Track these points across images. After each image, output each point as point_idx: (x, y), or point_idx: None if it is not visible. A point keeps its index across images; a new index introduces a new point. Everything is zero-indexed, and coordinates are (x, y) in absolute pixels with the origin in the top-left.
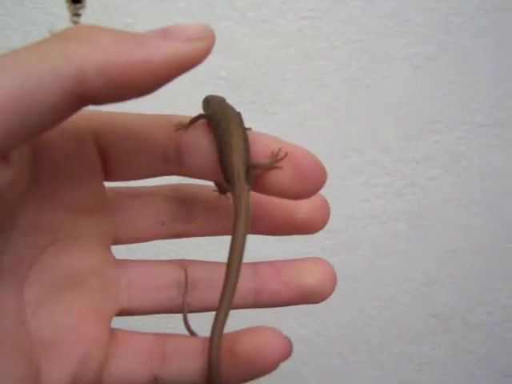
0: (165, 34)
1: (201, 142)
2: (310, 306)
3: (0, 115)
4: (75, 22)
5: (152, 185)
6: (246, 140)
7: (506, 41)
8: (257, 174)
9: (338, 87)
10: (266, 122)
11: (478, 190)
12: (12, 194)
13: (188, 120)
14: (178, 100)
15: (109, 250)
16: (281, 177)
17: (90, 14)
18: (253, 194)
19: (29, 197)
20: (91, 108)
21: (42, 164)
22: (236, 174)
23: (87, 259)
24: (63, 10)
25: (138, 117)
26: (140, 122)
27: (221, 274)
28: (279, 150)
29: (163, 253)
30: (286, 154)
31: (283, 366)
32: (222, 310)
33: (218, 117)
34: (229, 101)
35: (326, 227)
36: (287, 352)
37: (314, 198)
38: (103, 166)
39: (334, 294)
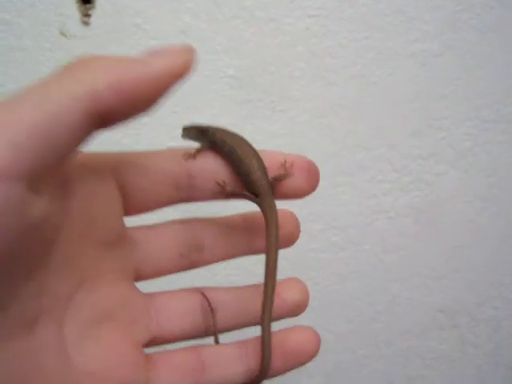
0: (156, 53)
1: (213, 166)
2: (319, 300)
3: (27, 140)
4: (85, 23)
5: (160, 220)
6: (260, 158)
7: (511, 37)
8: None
9: (345, 84)
10: (274, 119)
11: (485, 186)
12: (46, 230)
13: (193, 151)
14: (187, 98)
15: (133, 283)
16: (293, 182)
17: (99, 15)
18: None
19: (59, 234)
20: (108, 148)
21: (69, 201)
22: (262, 188)
23: (116, 294)
24: (73, 11)
25: (150, 152)
26: (153, 156)
27: (235, 296)
28: (285, 161)
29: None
30: (293, 163)
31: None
32: (266, 312)
33: (230, 143)
34: (237, 99)
35: (334, 223)
36: (319, 346)
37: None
38: (123, 200)
39: (342, 290)
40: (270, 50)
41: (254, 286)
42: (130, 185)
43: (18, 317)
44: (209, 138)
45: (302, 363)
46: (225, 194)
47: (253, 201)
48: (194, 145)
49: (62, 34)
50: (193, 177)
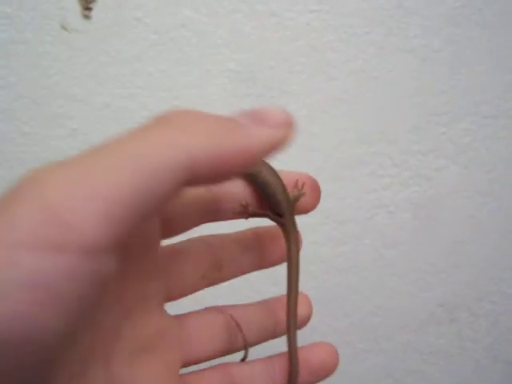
0: (256, 119)
1: (236, 189)
2: (318, 294)
3: (122, 211)
4: (86, 16)
5: (184, 239)
6: (281, 179)
7: None
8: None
9: (345, 79)
10: None
11: (484, 181)
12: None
13: None
14: (186, 92)
15: (164, 308)
16: (305, 200)
17: (100, 8)
18: None
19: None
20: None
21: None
22: (285, 209)
23: (153, 322)
24: (74, 4)
25: None
26: None
27: (253, 313)
28: (297, 180)
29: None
30: (304, 183)
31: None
32: (291, 331)
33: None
34: (237, 93)
35: (334, 217)
36: (338, 361)
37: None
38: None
39: (342, 284)
40: (270, 44)
41: (273, 299)
42: (167, 214)
43: (78, 356)
44: None
45: (324, 378)
46: (247, 214)
47: (276, 221)
48: None
49: (63, 27)
50: (219, 200)
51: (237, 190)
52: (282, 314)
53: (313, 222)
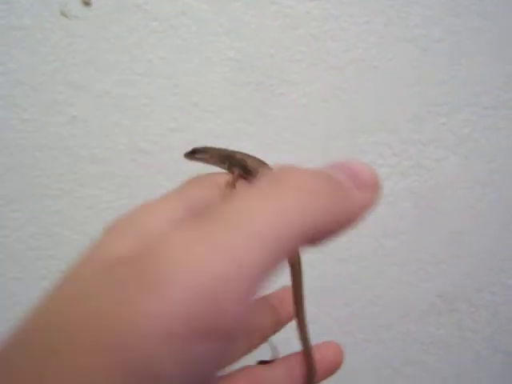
0: (353, 178)
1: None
2: (318, 284)
3: (257, 285)
4: (86, 3)
5: None
6: None
7: None
8: None
9: (345, 68)
10: (274, 102)
11: (484, 172)
12: None
13: (232, 179)
14: (186, 80)
15: None
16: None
17: None
18: None
19: None
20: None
21: None
22: None
23: None
24: None
25: None
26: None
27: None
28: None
29: None
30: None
31: (292, 345)
32: (303, 332)
33: (260, 172)
34: (237, 81)
35: None
36: (343, 358)
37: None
38: None
39: (342, 273)
40: (270, 32)
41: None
42: None
43: None
44: (237, 164)
45: (332, 374)
46: None
47: None
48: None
49: (63, 13)
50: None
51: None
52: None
53: None
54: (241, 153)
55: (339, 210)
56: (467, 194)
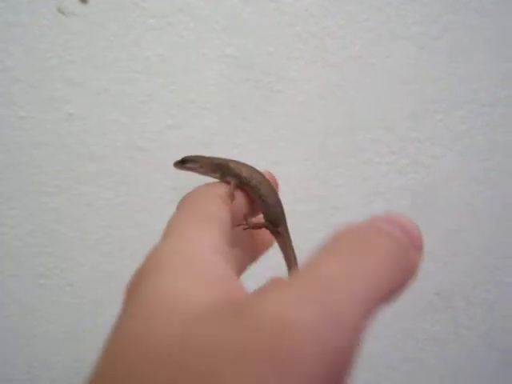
0: (410, 239)
1: (241, 202)
2: None
3: None
4: (83, 0)
5: None
6: (276, 192)
7: (511, 21)
8: None
9: (343, 66)
10: (272, 99)
11: (481, 169)
12: None
13: (230, 189)
14: (183, 77)
15: None
16: None
17: None
18: None
19: None
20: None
21: None
22: (283, 220)
23: None
24: None
25: None
26: None
27: None
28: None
29: None
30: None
31: None
32: None
33: (255, 180)
34: (235, 78)
35: (331, 203)
36: None
37: None
38: None
39: None
40: (268, 30)
41: None
42: None
43: None
44: (230, 174)
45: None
46: (249, 226)
47: (274, 231)
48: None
49: (60, 11)
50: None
51: (240, 203)
52: None
53: (310, 208)
54: (234, 161)
55: (401, 277)
56: (463, 191)
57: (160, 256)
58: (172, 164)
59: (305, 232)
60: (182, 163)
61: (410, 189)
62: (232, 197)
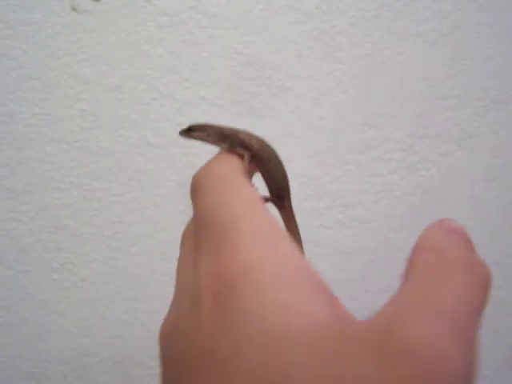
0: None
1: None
2: (324, 277)
3: None
4: None
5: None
6: (283, 166)
7: None
8: None
9: (353, 63)
10: (282, 96)
11: (491, 166)
12: None
13: (245, 165)
14: (196, 73)
15: None
16: None
17: None
18: None
19: None
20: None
21: None
22: (287, 193)
23: None
24: None
25: None
26: None
27: None
28: None
29: None
30: None
31: None
32: None
33: (265, 155)
34: (245, 75)
35: (340, 201)
36: None
37: None
38: None
39: (348, 267)
40: (279, 27)
41: None
42: None
43: None
44: (240, 145)
45: None
46: None
47: (277, 203)
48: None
49: (73, 8)
50: None
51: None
52: None
53: (319, 205)
54: (244, 132)
55: (479, 301)
56: (473, 189)
57: (246, 264)
58: (179, 133)
59: (315, 229)
60: (189, 131)
61: (419, 186)
62: (250, 173)
